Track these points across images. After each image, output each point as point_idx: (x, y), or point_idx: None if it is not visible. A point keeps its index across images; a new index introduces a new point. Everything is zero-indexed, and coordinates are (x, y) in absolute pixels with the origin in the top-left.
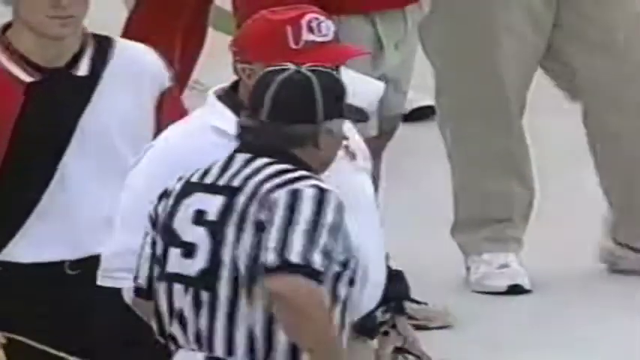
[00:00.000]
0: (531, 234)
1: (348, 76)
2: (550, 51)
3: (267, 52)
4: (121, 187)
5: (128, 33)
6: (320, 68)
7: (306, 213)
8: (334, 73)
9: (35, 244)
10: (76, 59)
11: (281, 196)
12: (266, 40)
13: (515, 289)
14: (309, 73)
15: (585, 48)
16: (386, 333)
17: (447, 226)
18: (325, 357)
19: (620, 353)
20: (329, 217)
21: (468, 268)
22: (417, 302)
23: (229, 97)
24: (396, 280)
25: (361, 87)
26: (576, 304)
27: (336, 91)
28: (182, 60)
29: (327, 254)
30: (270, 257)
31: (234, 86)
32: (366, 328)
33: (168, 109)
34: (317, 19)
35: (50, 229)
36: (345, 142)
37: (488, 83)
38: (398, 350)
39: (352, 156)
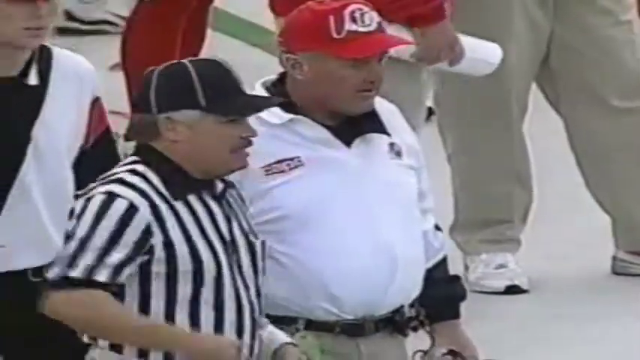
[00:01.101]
0: (529, 234)
1: (472, 43)
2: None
3: (310, 42)
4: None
5: (130, 33)
6: (184, 61)
7: (87, 219)
8: (188, 65)
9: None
10: (27, 68)
11: (77, 205)
12: (309, 31)
13: (513, 290)
14: (159, 67)
15: (571, 55)
16: (415, 329)
17: (445, 224)
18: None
19: (619, 353)
20: (107, 222)
21: (466, 267)
22: None
23: (276, 88)
24: (452, 283)
25: (482, 49)
26: (573, 305)
27: (179, 82)
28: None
29: (103, 256)
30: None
31: (282, 78)
32: (395, 323)
33: (97, 117)
34: (360, 9)
35: (14, 238)
36: (390, 140)
37: (492, 89)
38: (451, 353)
39: (397, 153)
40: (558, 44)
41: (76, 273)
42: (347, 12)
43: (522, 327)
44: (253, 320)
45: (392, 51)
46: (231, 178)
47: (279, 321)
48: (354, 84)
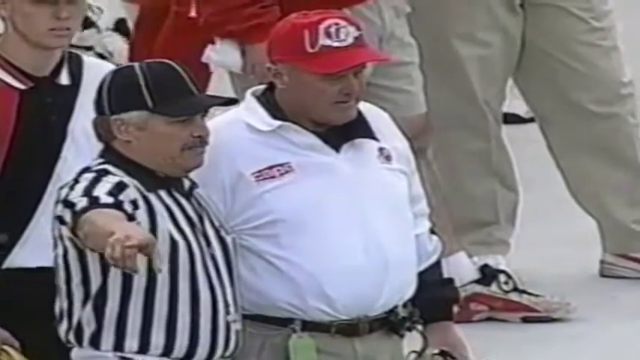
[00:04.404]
0: (518, 236)
1: None
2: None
3: (287, 54)
4: None
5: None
6: (135, 63)
7: (82, 185)
8: (136, 67)
9: (39, 248)
10: (58, 69)
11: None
12: (286, 43)
13: None
14: (112, 70)
15: (544, 59)
16: (410, 329)
17: None
18: None
19: (605, 352)
20: (104, 183)
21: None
22: (535, 295)
23: (265, 96)
24: (444, 285)
25: None
26: None
27: (128, 84)
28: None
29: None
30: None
31: (272, 86)
32: (389, 323)
33: None
34: (337, 24)
35: (48, 234)
36: (379, 144)
37: (461, 95)
38: (442, 353)
39: (387, 158)
40: (529, 49)
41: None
42: (322, 27)
43: (512, 327)
44: (226, 312)
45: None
46: (225, 183)
47: (276, 322)
48: (330, 96)
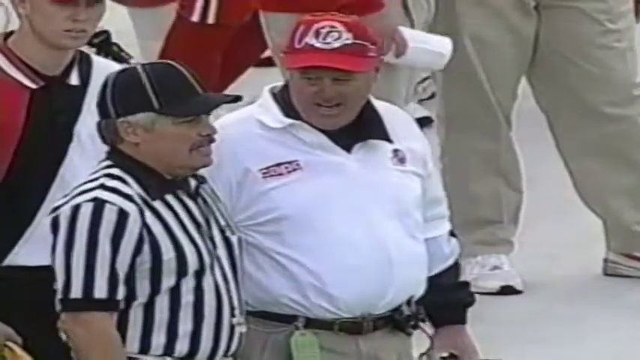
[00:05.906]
0: (522, 236)
1: (417, 35)
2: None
3: (286, 47)
4: None
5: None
6: (137, 65)
7: (83, 231)
8: (139, 68)
9: (40, 246)
10: (69, 69)
11: (63, 213)
12: (290, 37)
13: (508, 290)
14: (114, 72)
15: (557, 60)
16: (415, 327)
17: None
18: None
19: (607, 351)
20: (104, 234)
21: (462, 270)
22: None
23: (281, 93)
24: (459, 289)
25: (428, 40)
26: (565, 304)
27: (133, 86)
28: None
29: (112, 267)
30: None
31: (287, 84)
32: (394, 321)
33: None
34: (332, 27)
35: None
36: (393, 146)
37: (473, 92)
38: (451, 357)
39: (400, 160)
40: (543, 50)
41: (95, 294)
42: (315, 27)
43: (516, 326)
44: (232, 314)
45: None
46: (231, 180)
47: (280, 319)
48: (307, 96)
